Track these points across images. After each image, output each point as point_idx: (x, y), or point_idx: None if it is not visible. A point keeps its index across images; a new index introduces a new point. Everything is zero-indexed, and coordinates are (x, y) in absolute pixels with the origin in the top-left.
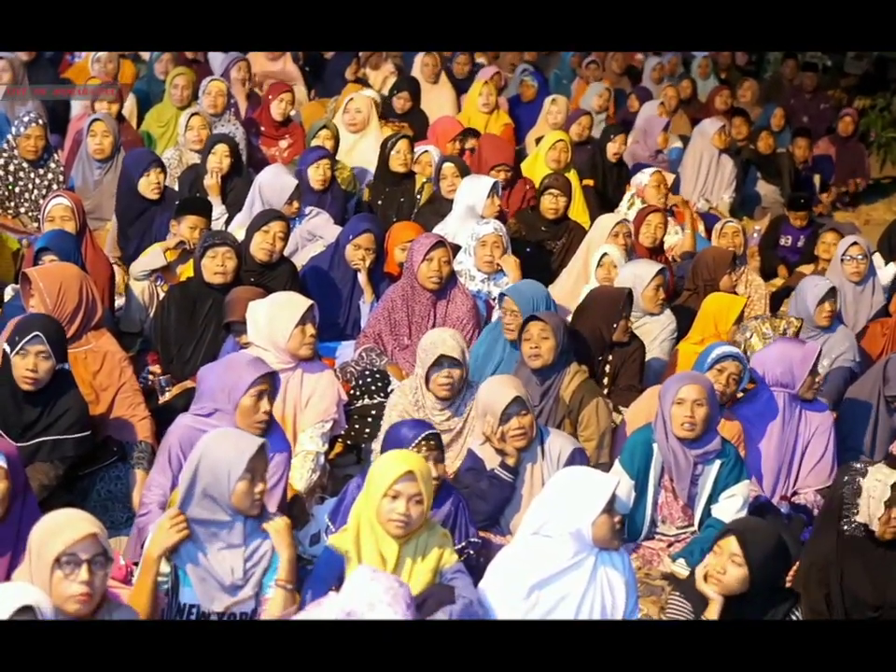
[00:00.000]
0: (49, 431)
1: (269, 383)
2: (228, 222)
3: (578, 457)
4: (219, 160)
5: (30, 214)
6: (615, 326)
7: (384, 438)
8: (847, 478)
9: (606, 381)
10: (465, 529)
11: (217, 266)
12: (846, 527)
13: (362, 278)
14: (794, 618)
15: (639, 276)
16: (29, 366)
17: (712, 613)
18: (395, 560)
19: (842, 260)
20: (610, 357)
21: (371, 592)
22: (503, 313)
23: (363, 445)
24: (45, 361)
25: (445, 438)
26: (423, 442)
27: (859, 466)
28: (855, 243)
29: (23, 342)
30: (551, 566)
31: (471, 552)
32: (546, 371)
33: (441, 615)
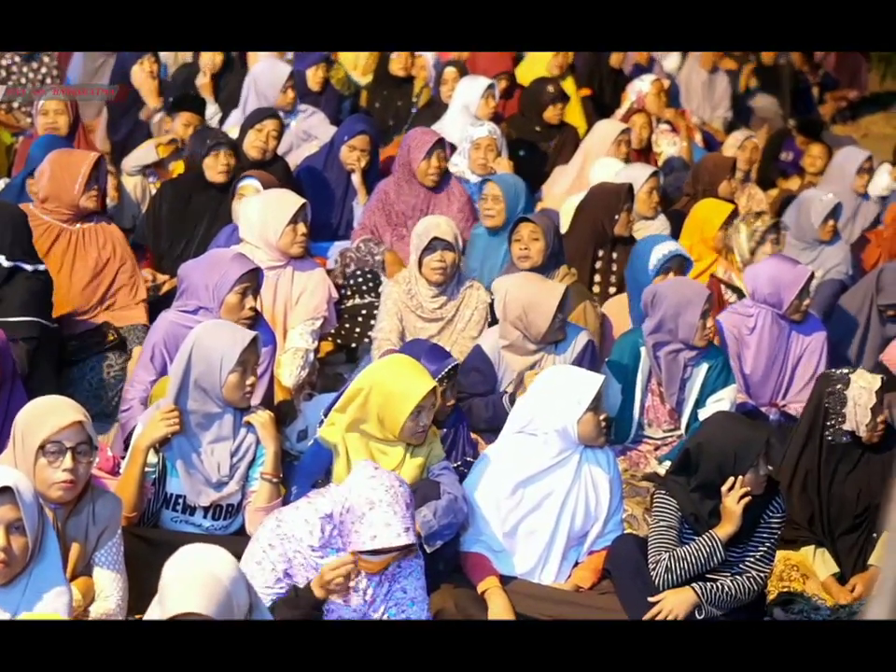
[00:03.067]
0: (12, 314)
1: (253, 279)
2: (222, 121)
3: (591, 349)
4: (212, 57)
5: (23, 109)
6: (617, 218)
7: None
8: (829, 388)
9: (614, 279)
10: (462, 448)
11: (221, 166)
12: (830, 436)
13: (357, 179)
14: (777, 521)
15: (633, 179)
16: None
17: (727, 530)
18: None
19: (857, 172)
20: (615, 255)
21: (372, 489)
22: (484, 199)
23: (353, 344)
24: None
25: (436, 326)
26: (444, 376)
27: (838, 373)
28: (871, 157)
29: None
30: (536, 463)
31: (465, 471)
32: (535, 273)
33: (426, 510)
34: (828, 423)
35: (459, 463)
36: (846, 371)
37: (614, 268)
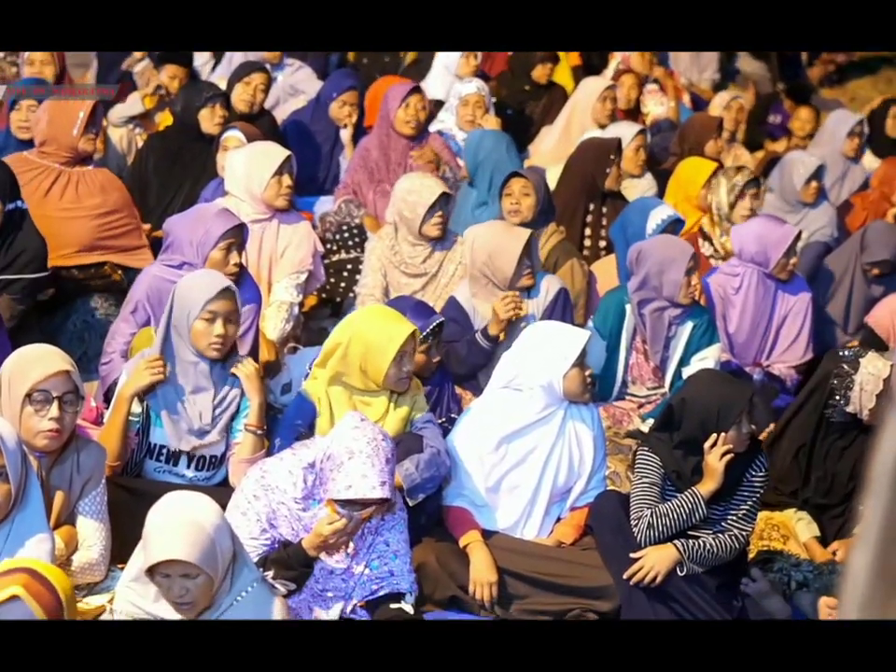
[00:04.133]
0: (6, 270)
1: (238, 235)
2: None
3: (563, 296)
4: None
5: (8, 59)
6: (608, 171)
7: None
8: (836, 370)
9: (604, 232)
10: (447, 405)
11: (217, 118)
12: (831, 414)
13: (347, 134)
14: (759, 480)
15: (620, 136)
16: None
17: (709, 486)
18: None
19: (848, 135)
20: (605, 210)
21: (354, 439)
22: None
23: (338, 299)
24: None
25: (420, 281)
26: (430, 332)
27: (848, 354)
28: (862, 120)
29: None
30: (520, 418)
31: (450, 427)
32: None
33: (409, 464)
34: (830, 402)
35: (444, 419)
36: (854, 351)
37: (604, 222)
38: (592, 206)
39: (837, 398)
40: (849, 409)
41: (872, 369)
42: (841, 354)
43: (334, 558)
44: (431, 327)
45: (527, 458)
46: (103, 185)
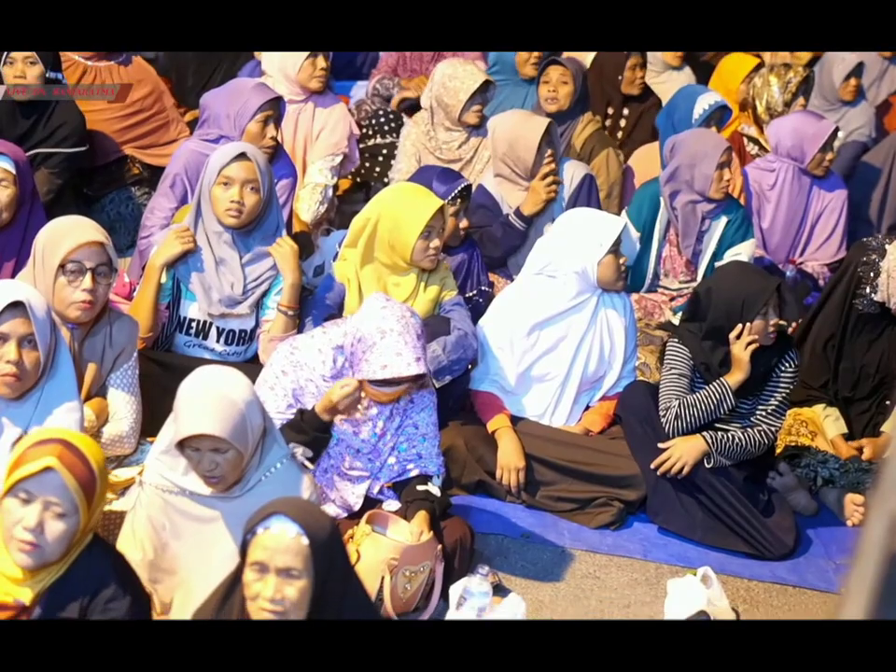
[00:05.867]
0: (44, 143)
1: (275, 108)
2: None
3: (588, 182)
4: None
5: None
6: (620, 78)
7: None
8: (864, 258)
9: (620, 135)
10: (477, 278)
11: None
12: (859, 304)
13: None
14: (789, 375)
15: None
16: (17, 73)
17: (736, 377)
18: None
19: None
20: (626, 112)
21: (383, 318)
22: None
23: (372, 183)
24: (32, 67)
25: (455, 167)
26: (456, 196)
27: (875, 243)
28: None
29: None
30: (553, 305)
31: (480, 300)
32: (561, 117)
33: (436, 345)
34: (858, 291)
35: (475, 292)
36: (883, 240)
37: (622, 124)
38: (611, 110)
39: (865, 286)
40: (877, 298)
41: None
42: (868, 243)
43: (361, 436)
44: (458, 189)
45: (558, 346)
46: (135, 79)
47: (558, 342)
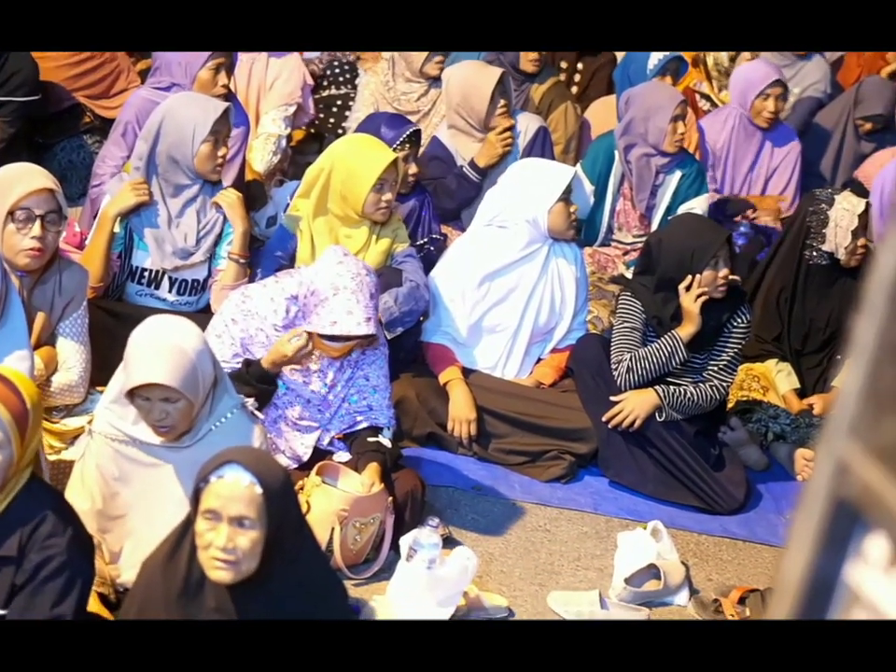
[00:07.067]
0: None
1: (227, 56)
2: None
3: (542, 134)
4: None
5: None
6: None
7: (359, 129)
8: (812, 207)
9: (575, 90)
10: (428, 225)
11: None
12: (808, 255)
13: None
14: (741, 330)
15: None
16: None
17: (687, 329)
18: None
19: None
20: (580, 66)
21: (338, 274)
22: None
23: (326, 134)
24: None
25: (412, 119)
26: (405, 140)
27: (825, 195)
28: None
29: None
30: (504, 255)
31: (432, 248)
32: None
33: (388, 297)
34: (807, 241)
35: (426, 240)
36: (831, 191)
37: (577, 78)
38: (565, 64)
39: (814, 237)
40: (825, 248)
41: (846, 204)
42: (818, 193)
43: (310, 387)
44: (406, 134)
45: (509, 297)
46: None
47: (509, 292)
